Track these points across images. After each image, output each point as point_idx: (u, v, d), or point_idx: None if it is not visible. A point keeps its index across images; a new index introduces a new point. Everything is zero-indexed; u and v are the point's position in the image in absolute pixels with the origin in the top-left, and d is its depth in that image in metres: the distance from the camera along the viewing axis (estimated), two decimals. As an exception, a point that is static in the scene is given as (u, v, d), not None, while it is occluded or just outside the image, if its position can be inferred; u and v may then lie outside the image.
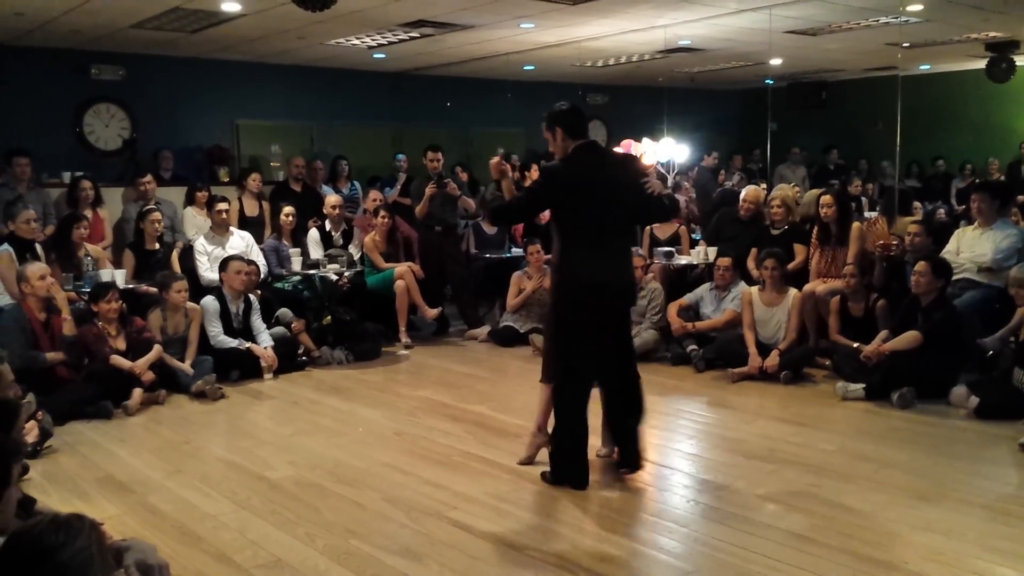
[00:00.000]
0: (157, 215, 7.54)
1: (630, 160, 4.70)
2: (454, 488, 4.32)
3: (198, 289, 7.26)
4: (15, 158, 7.80)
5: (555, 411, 4.38)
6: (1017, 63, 10.96)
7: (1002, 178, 11.55)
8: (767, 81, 12.55)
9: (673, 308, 7.12)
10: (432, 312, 8.00)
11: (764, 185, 9.20)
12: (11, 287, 6.32)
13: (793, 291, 6.65)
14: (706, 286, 7.18)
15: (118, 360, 6.02)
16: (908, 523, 3.78)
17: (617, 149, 9.85)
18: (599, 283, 4.24)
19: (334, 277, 7.70)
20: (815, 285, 6.85)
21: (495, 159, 4.54)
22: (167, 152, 9.46)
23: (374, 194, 8.78)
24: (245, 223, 8.47)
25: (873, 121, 12.86)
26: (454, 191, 8.35)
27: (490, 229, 9.07)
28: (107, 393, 5.85)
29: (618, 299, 4.40)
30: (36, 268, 5.99)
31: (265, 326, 6.99)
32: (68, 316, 6.07)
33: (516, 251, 8.82)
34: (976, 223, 6.70)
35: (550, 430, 4.49)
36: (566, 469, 4.32)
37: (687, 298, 7.19)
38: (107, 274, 6.78)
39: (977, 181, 10.48)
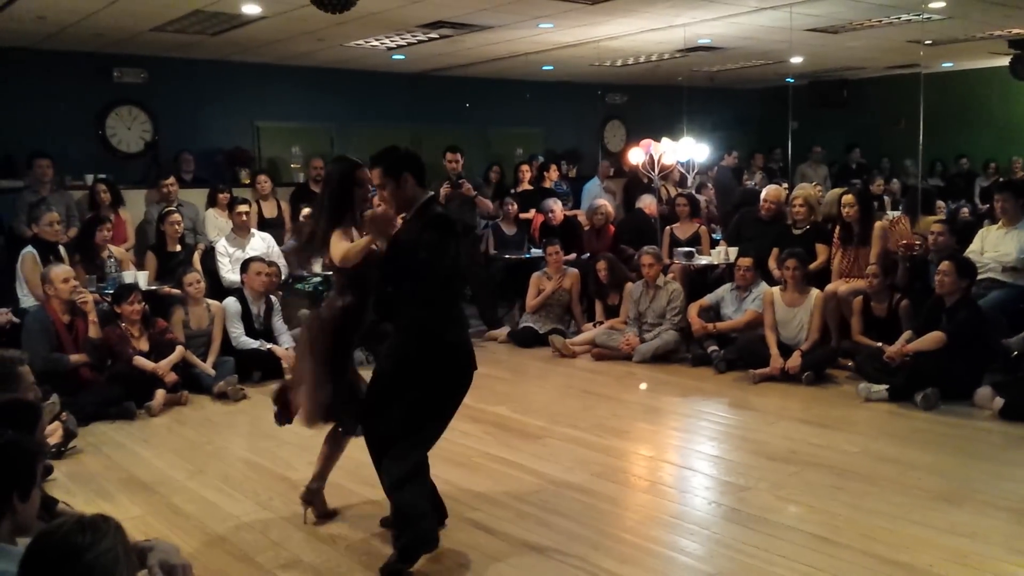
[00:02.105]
0: (177, 216, 7.60)
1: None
2: (474, 489, 4.33)
3: (220, 291, 7.30)
4: (36, 160, 7.87)
5: (401, 483, 3.62)
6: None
7: (1024, 176, 11.45)
8: (788, 80, 12.46)
9: (694, 309, 7.10)
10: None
11: (785, 185, 9.14)
12: (35, 289, 6.38)
13: (815, 291, 6.60)
14: (727, 286, 7.14)
15: (141, 361, 6.07)
16: (932, 526, 3.76)
17: (637, 148, 9.85)
18: (460, 343, 3.76)
19: (354, 278, 7.69)
20: (837, 285, 6.81)
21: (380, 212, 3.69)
22: (188, 154, 9.51)
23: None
24: (264, 225, 8.50)
25: (895, 119, 12.75)
26: (469, 191, 8.39)
27: (509, 229, 9.06)
28: (130, 394, 5.91)
29: (471, 363, 3.78)
30: (60, 270, 6.04)
31: (286, 327, 7.03)
32: (94, 319, 6.12)
33: (535, 252, 8.81)
34: (1000, 222, 6.63)
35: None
36: (422, 538, 3.59)
37: (708, 299, 7.17)
38: (130, 276, 6.85)
39: (1000, 180, 10.37)
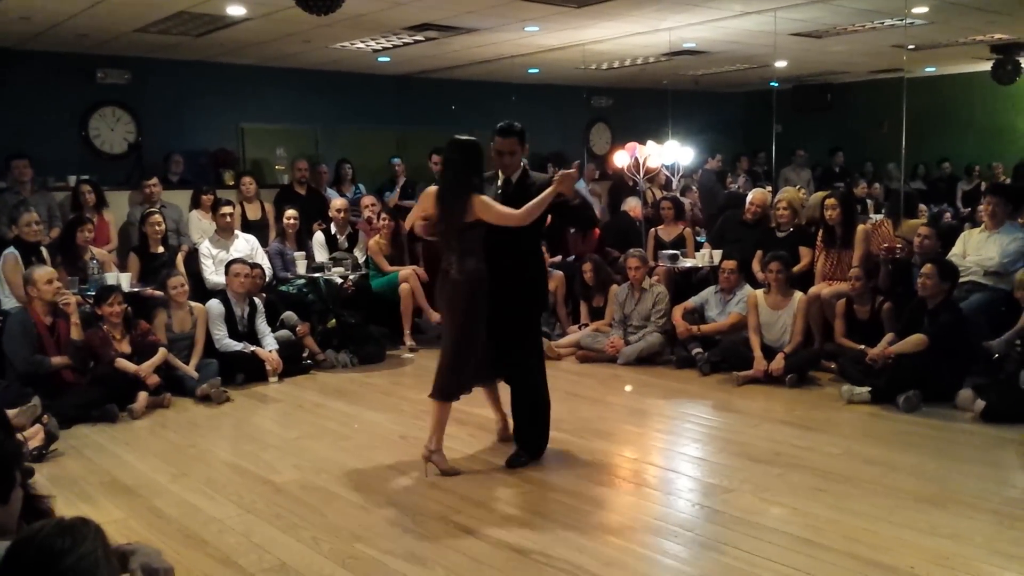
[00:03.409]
0: (157, 218, 7.57)
1: None
2: (459, 492, 4.33)
3: (204, 292, 7.27)
4: (14, 161, 7.83)
5: (540, 389, 4.81)
6: (1022, 65, 10.94)
7: (1007, 181, 11.52)
8: (772, 83, 12.53)
9: (678, 311, 7.12)
10: (437, 317, 7.99)
11: (769, 188, 9.20)
12: (17, 290, 6.34)
13: (798, 294, 6.64)
14: (711, 289, 7.18)
15: (124, 363, 6.04)
16: (914, 527, 3.77)
17: (622, 151, 9.89)
18: None
19: (339, 280, 7.71)
20: (820, 288, 6.85)
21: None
22: (178, 156, 9.49)
23: (367, 200, 8.81)
24: (248, 227, 8.48)
25: (879, 123, 12.85)
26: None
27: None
28: (113, 396, 5.87)
29: None
30: (43, 272, 6.00)
31: (270, 329, 7.01)
32: (77, 321, 6.08)
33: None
34: (983, 226, 6.69)
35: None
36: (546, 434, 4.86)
37: (692, 301, 7.20)
38: (112, 277, 6.80)
39: (984, 184, 10.46)
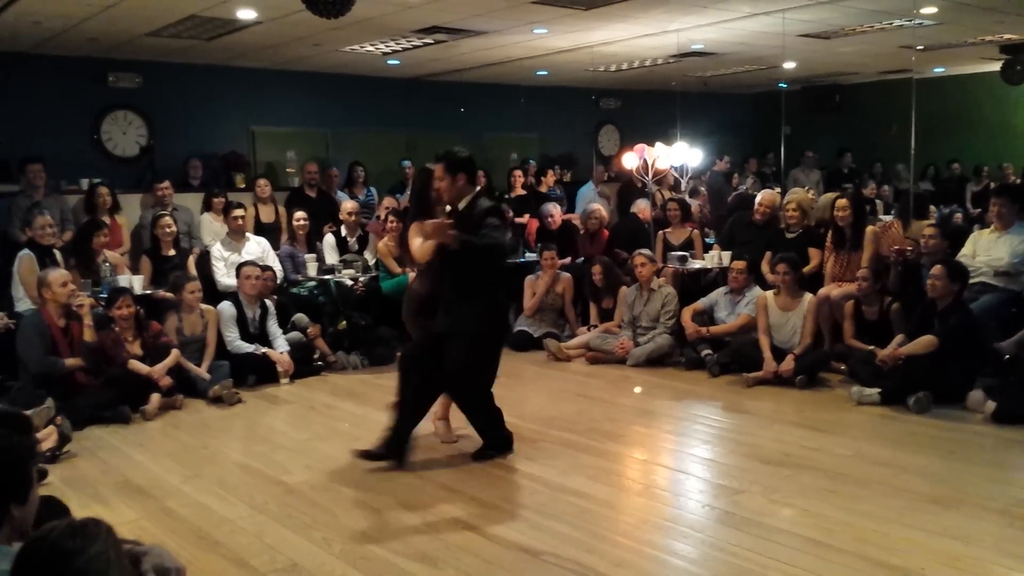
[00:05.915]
0: (167, 220, 7.61)
1: None
2: (469, 493, 4.35)
3: (215, 295, 7.31)
4: (28, 164, 7.87)
5: (486, 413, 4.97)
6: (1032, 65, 10.91)
7: (1018, 181, 11.49)
8: (780, 85, 12.53)
9: (687, 312, 7.13)
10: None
11: (778, 189, 9.20)
12: (32, 291, 6.37)
13: (808, 295, 6.63)
14: (721, 290, 7.18)
15: (136, 365, 6.08)
16: (924, 529, 3.77)
17: (631, 153, 9.89)
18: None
19: (349, 282, 7.74)
20: (830, 289, 6.84)
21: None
22: (196, 160, 9.54)
23: (388, 201, 8.84)
24: (261, 229, 8.52)
25: (888, 124, 12.83)
26: None
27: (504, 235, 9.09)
28: (125, 398, 5.91)
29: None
30: (58, 275, 6.04)
31: (281, 331, 7.05)
32: (90, 323, 6.12)
33: (530, 256, 8.84)
34: (993, 226, 6.67)
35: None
36: (503, 440, 4.99)
37: (702, 302, 7.20)
38: (125, 280, 6.84)
39: (993, 185, 10.43)
